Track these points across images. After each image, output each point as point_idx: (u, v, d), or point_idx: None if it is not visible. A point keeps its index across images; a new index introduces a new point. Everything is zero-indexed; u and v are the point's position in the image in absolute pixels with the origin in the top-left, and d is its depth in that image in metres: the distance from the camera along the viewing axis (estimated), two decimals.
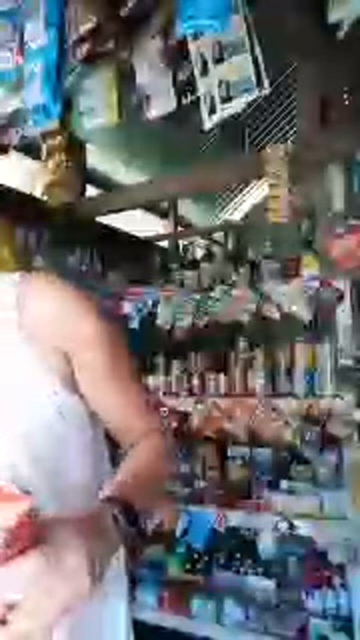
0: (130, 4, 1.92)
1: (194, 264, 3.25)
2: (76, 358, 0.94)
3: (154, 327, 2.89)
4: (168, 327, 2.86)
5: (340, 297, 2.46)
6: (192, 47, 1.90)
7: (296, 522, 2.43)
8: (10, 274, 0.95)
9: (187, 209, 6.01)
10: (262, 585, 2.67)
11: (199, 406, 2.79)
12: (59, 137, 3.04)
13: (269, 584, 2.66)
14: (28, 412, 0.92)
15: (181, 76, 2.00)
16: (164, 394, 3.05)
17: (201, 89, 1.89)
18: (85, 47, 1.99)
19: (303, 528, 2.43)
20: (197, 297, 2.84)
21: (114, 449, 1.07)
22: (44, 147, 3.15)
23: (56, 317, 0.91)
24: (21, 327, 0.90)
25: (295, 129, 4.91)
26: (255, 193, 6.43)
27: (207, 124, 1.89)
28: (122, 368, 0.99)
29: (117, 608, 1.04)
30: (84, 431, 1.00)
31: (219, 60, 1.84)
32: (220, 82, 1.83)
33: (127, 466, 0.92)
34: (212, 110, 1.87)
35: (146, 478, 0.91)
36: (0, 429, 0.91)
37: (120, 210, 3.50)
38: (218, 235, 4.68)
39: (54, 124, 2.23)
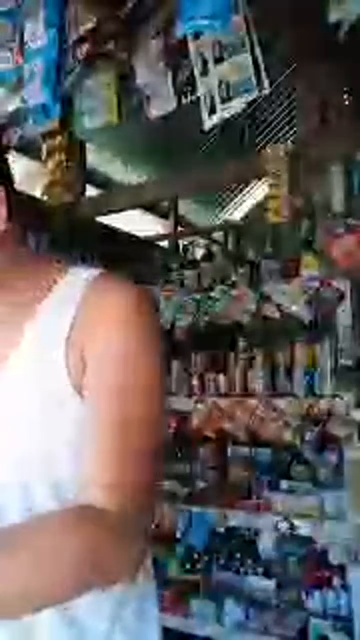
0: (130, 4, 1.92)
1: (194, 264, 3.25)
2: (92, 371, 0.79)
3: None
4: (168, 327, 2.86)
5: (340, 297, 2.46)
6: (192, 47, 1.90)
7: (296, 522, 2.43)
8: (88, 269, 0.87)
9: (187, 209, 6.00)
10: (262, 585, 2.67)
11: (199, 406, 2.79)
12: (59, 137, 3.04)
13: (269, 584, 2.66)
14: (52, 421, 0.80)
15: (181, 76, 1.99)
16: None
17: (201, 89, 1.89)
18: (85, 47, 1.99)
19: (303, 528, 2.43)
20: (197, 297, 2.84)
21: None
22: (44, 147, 3.15)
23: (102, 322, 0.79)
24: (72, 328, 0.80)
25: (295, 129, 4.91)
26: (255, 193, 6.42)
27: (207, 124, 1.89)
28: (138, 416, 0.77)
29: None
30: None
31: (219, 60, 1.84)
32: (220, 82, 1.83)
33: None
34: (212, 110, 1.87)
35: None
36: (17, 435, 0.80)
37: (121, 210, 3.50)
38: (218, 235, 4.67)
39: (54, 124, 2.23)
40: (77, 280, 0.84)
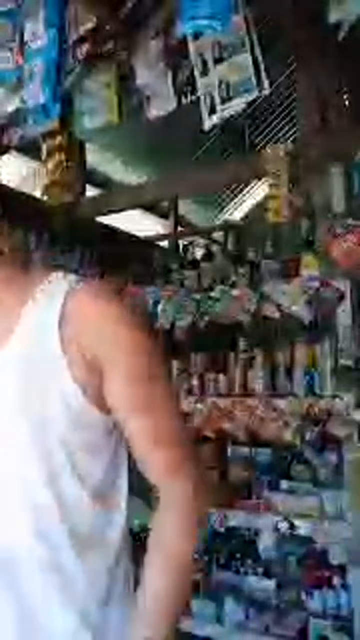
0: (130, 4, 1.93)
1: (194, 264, 3.25)
2: (108, 371, 0.88)
3: (154, 327, 2.88)
4: (168, 327, 2.86)
5: (340, 297, 2.46)
6: (192, 47, 1.91)
7: (296, 522, 2.43)
8: (68, 275, 0.92)
9: (187, 209, 6.00)
10: (262, 585, 2.66)
11: (199, 406, 2.78)
12: (59, 137, 3.04)
13: (269, 584, 2.66)
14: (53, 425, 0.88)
15: (181, 76, 2.00)
16: None
17: (201, 89, 1.89)
18: (85, 47, 2.00)
19: (303, 528, 2.42)
20: (197, 297, 2.83)
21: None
22: (44, 147, 3.15)
23: (96, 328, 0.88)
24: (61, 335, 0.86)
25: (295, 129, 4.91)
26: (255, 193, 6.42)
27: (207, 124, 1.90)
28: (153, 391, 0.91)
29: None
30: (104, 447, 0.94)
31: (219, 60, 1.84)
32: (220, 82, 1.84)
33: (148, 588, 0.91)
34: (212, 110, 1.87)
35: (167, 596, 0.91)
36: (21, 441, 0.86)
37: (121, 210, 3.50)
38: (218, 235, 4.67)
39: (54, 124, 2.23)
40: (57, 286, 0.90)
